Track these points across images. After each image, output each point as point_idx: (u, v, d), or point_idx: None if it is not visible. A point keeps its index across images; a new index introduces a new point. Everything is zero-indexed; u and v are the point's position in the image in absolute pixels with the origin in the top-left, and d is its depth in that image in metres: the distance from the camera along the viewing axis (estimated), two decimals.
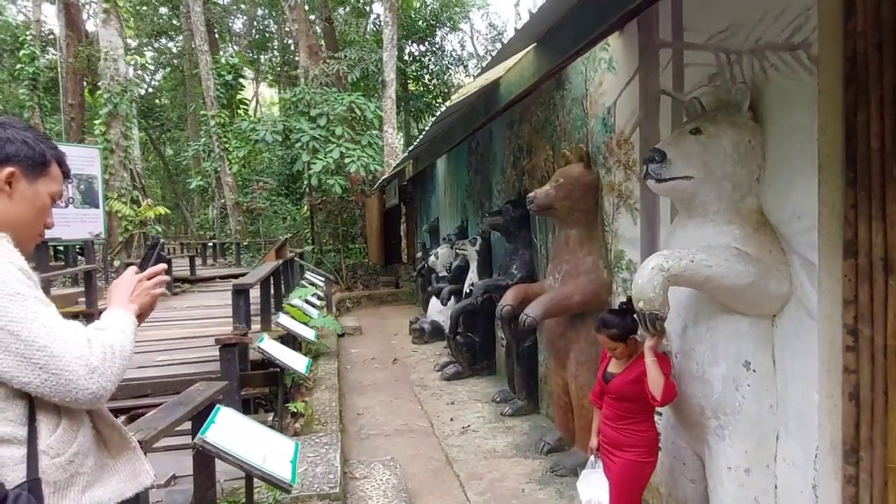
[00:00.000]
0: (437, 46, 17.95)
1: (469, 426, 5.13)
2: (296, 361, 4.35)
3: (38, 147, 1.36)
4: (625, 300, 2.82)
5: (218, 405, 2.57)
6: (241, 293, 4.36)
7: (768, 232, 2.49)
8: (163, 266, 1.50)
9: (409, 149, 6.94)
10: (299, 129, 11.49)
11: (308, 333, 5.49)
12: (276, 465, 2.33)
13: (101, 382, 1.20)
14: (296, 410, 4.89)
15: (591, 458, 2.89)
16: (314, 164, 11.05)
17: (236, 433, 2.45)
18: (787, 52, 2.38)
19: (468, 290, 6.79)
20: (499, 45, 23.27)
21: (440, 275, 8.67)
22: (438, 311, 8.65)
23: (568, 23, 3.05)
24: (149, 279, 1.44)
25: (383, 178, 12.09)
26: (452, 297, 7.45)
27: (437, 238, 9.66)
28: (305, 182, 14.08)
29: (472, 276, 6.78)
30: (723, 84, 2.77)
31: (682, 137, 2.60)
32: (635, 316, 2.49)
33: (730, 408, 2.54)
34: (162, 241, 1.72)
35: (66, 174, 1.44)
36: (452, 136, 6.13)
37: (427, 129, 5.78)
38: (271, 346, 4.18)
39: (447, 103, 4.89)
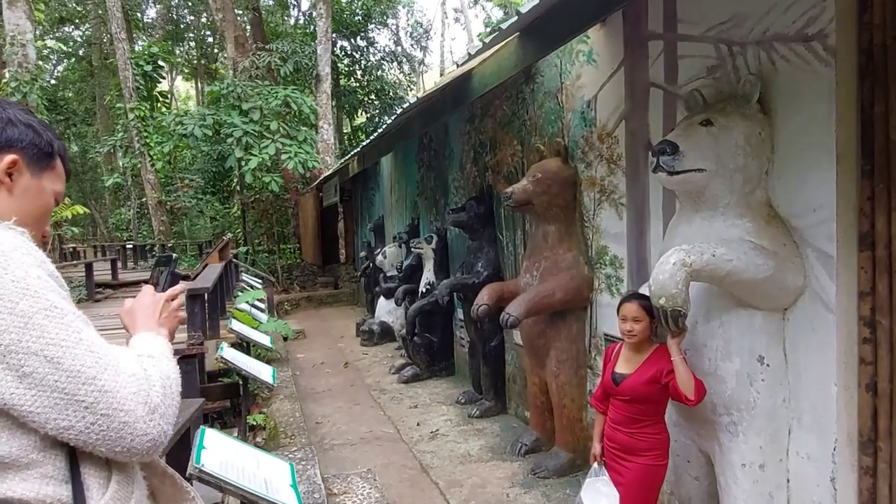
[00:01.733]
0: (369, 42, 17.60)
1: (438, 430, 4.96)
2: (260, 370, 4.03)
3: (46, 135, 1.09)
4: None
5: (203, 427, 2.28)
6: (196, 298, 3.97)
7: (780, 225, 2.47)
8: (184, 286, 1.26)
9: (363, 144, 6.68)
10: (231, 124, 10.91)
11: (263, 339, 5.15)
12: (280, 492, 2.08)
13: (162, 426, 0.94)
14: (255, 423, 4.56)
15: (595, 465, 2.78)
16: (248, 160, 10.51)
17: (228, 457, 2.17)
18: (799, 44, 2.36)
19: (424, 290, 6.61)
20: (428, 43, 23.17)
21: (389, 274, 8.43)
22: (388, 312, 8.41)
23: (561, 12, 2.93)
24: (170, 299, 1.20)
25: (324, 175, 11.68)
26: (407, 297, 7.25)
27: (383, 237, 9.41)
28: (236, 180, 13.44)
29: (429, 274, 6.61)
30: (724, 76, 2.74)
31: (692, 129, 2.54)
32: (657, 315, 2.40)
33: (744, 403, 2.51)
34: (175, 256, 1.47)
35: (68, 173, 1.17)
36: (409, 130, 5.93)
37: (389, 123, 5.56)
38: (232, 355, 3.85)
39: (412, 98, 4.70)
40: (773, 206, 2.51)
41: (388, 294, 8.38)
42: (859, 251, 2.27)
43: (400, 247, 8.46)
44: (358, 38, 17.65)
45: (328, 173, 10.93)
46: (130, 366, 0.95)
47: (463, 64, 3.70)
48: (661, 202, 3.22)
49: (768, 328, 2.48)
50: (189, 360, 3.49)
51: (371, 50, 17.83)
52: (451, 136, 6.26)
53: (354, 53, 17.61)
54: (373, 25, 17.76)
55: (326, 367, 7.34)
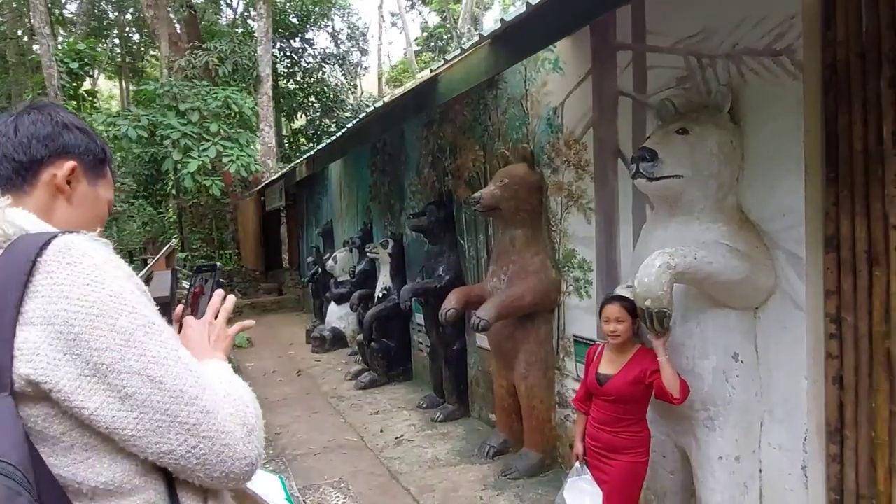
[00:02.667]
0: (308, 43, 17.31)
1: (402, 436, 4.93)
2: None
3: (98, 140, 1.04)
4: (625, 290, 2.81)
5: None
6: (163, 308, 3.77)
7: (751, 228, 2.60)
8: (232, 300, 1.19)
9: (319, 147, 6.56)
10: (167, 125, 10.47)
11: None
12: None
13: (259, 448, 0.90)
14: None
15: (577, 464, 2.85)
16: (187, 163, 10.11)
17: None
18: (768, 58, 2.50)
19: (380, 295, 6.56)
20: (366, 47, 23.00)
21: (340, 280, 8.32)
22: (339, 318, 8.30)
23: (538, 21, 2.99)
24: (216, 317, 1.14)
25: (269, 178, 11.39)
26: (361, 303, 7.17)
27: (332, 242, 9.27)
28: (171, 183, 12.92)
29: (385, 279, 6.56)
30: (694, 87, 2.87)
31: (669, 137, 2.64)
32: (639, 315, 2.48)
33: (720, 399, 2.63)
34: (220, 264, 1.33)
35: (114, 179, 1.12)
36: (367, 134, 5.87)
37: (349, 126, 5.49)
38: None
39: (379, 102, 4.67)
40: (745, 210, 2.65)
41: (340, 300, 8.28)
42: (825, 253, 2.43)
43: (351, 251, 8.35)
44: (296, 39, 17.34)
45: (275, 177, 10.67)
46: (222, 383, 0.90)
47: (438, 70, 3.70)
48: (630, 207, 3.33)
49: (741, 327, 2.62)
50: None
51: (310, 52, 17.56)
52: (408, 141, 6.25)
53: (293, 55, 17.28)
54: (310, 27, 17.49)
55: (279, 375, 7.16)
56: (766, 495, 2.63)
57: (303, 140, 18.01)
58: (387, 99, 4.42)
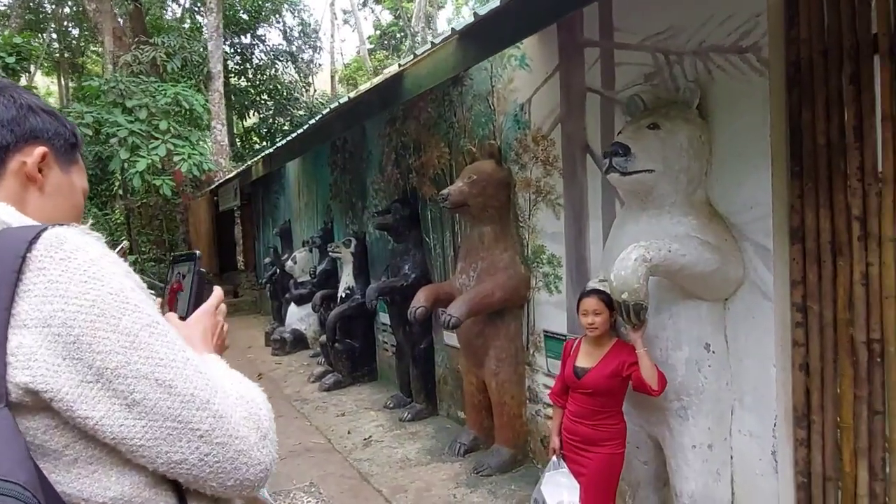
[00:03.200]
0: (259, 39, 16.94)
1: (371, 437, 4.88)
2: None
3: (68, 123, 0.95)
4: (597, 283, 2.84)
5: None
6: None
7: (720, 221, 2.67)
8: (219, 294, 1.10)
9: (276, 146, 6.40)
10: (114, 123, 10.07)
11: None
12: None
13: (273, 453, 0.83)
14: None
15: (554, 458, 2.86)
16: (136, 162, 9.75)
17: None
18: (734, 55, 2.57)
19: (343, 295, 6.47)
20: (317, 44, 22.66)
21: (300, 280, 8.17)
22: (300, 319, 8.15)
23: (508, 17, 2.99)
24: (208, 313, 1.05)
25: (225, 178, 11.09)
26: (324, 303, 7.06)
27: (291, 242, 9.10)
28: (118, 183, 12.44)
29: (348, 279, 6.47)
30: (662, 83, 2.92)
31: (641, 132, 2.68)
32: (618, 310, 2.51)
33: (693, 388, 2.69)
34: (198, 253, 1.18)
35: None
36: (328, 132, 5.76)
37: (311, 124, 5.37)
38: None
39: (344, 98, 4.59)
40: (713, 204, 2.71)
41: (300, 301, 8.14)
42: (791, 244, 2.51)
43: (311, 251, 8.23)
44: (247, 35, 16.95)
45: (230, 175, 10.39)
46: (233, 384, 0.85)
47: (406, 65, 3.66)
48: (599, 202, 3.37)
49: (712, 317, 2.68)
50: None
51: (261, 48, 17.19)
52: (370, 139, 6.18)
53: (244, 52, 16.88)
54: (261, 24, 17.13)
55: None
56: (737, 481, 2.70)
57: (255, 139, 17.62)
58: (353, 95, 4.35)
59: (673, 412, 2.75)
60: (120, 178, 11.33)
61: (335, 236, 7.34)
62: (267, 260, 9.84)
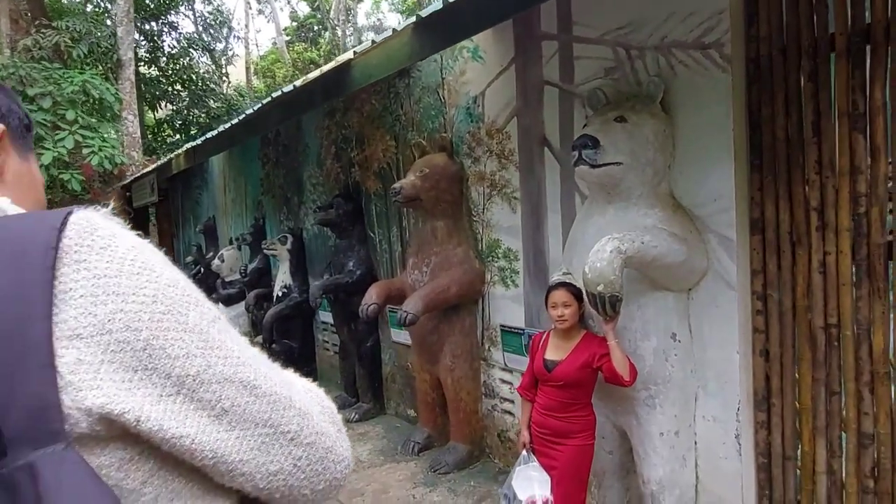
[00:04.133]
0: (171, 26, 16.00)
1: None
2: None
3: (18, 101, 0.80)
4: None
5: None
6: None
7: (684, 214, 2.73)
8: None
9: (205, 138, 6.01)
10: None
11: None
12: None
13: (349, 446, 0.74)
14: None
15: (524, 452, 2.84)
16: (40, 155, 8.94)
17: None
18: (697, 51, 2.63)
19: (280, 294, 6.21)
20: (230, 34, 21.74)
21: (228, 279, 7.79)
22: (229, 320, 7.70)
23: (469, 8, 2.92)
24: None
25: (137, 173, 10.38)
26: (257, 303, 6.76)
27: (216, 239, 8.65)
28: None
29: (284, 277, 6.21)
30: (622, 77, 2.95)
31: (609, 125, 2.70)
32: (591, 301, 2.51)
33: (661, 378, 2.74)
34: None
35: None
36: (264, 124, 5.47)
37: (245, 115, 5.07)
38: None
39: (288, 87, 4.38)
40: (676, 197, 2.77)
41: (229, 301, 7.76)
42: (751, 235, 2.61)
43: (240, 249, 7.86)
44: (157, 22, 15.97)
45: (147, 170, 9.73)
46: (297, 379, 0.74)
47: (357, 54, 3.52)
48: (558, 195, 3.38)
49: (678, 307, 2.74)
50: None
51: (174, 36, 16.24)
52: (306, 131, 5.96)
53: (156, 39, 15.89)
54: (172, 10, 16.20)
55: None
56: (701, 465, 2.78)
57: (168, 131, 16.65)
58: (298, 83, 4.14)
59: (641, 401, 2.79)
60: None
61: (267, 233, 7.04)
62: (189, 259, 9.32)
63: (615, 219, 2.76)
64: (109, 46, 11.68)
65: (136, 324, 0.58)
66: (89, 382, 0.55)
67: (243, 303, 7.81)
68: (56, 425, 0.53)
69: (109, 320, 0.57)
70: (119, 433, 0.57)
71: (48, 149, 9.15)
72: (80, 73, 9.91)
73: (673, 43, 2.71)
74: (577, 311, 2.68)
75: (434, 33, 3.22)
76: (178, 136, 16.25)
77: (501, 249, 3.79)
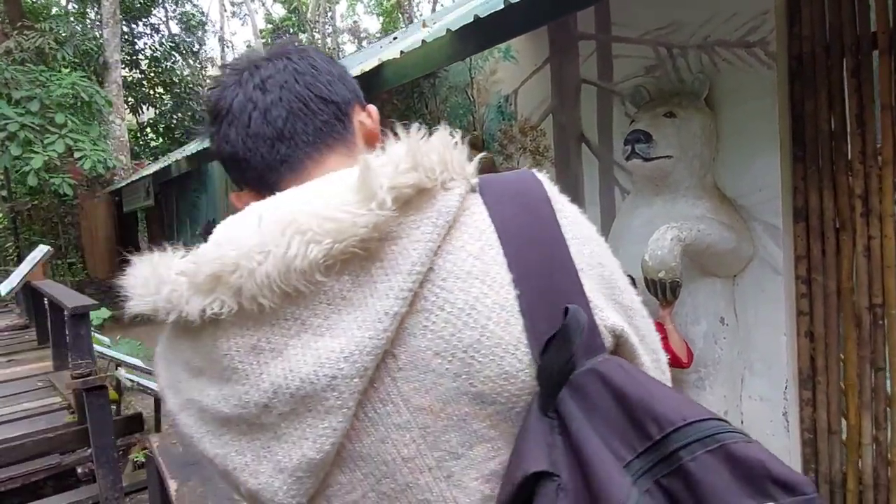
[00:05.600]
0: (154, 29, 15.82)
1: None
2: None
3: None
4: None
5: None
6: (81, 318, 3.19)
7: (729, 203, 2.87)
8: None
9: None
10: (0, 116, 9.04)
11: (136, 362, 4.40)
12: None
13: None
14: (143, 459, 3.92)
15: None
16: (30, 159, 8.81)
17: None
18: (741, 49, 2.78)
19: None
20: (204, 36, 21.59)
21: None
22: None
23: (516, 10, 3.02)
24: None
25: (128, 177, 10.26)
26: None
27: None
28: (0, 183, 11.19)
29: None
30: (664, 75, 3.09)
31: (659, 120, 2.83)
32: (651, 288, 2.63)
33: (710, 360, 2.88)
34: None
35: None
36: None
37: None
38: (134, 379, 3.27)
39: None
40: (720, 187, 2.91)
41: None
42: (795, 223, 2.76)
43: None
44: (138, 24, 15.78)
45: (146, 173, 9.63)
46: None
47: (399, 56, 3.58)
48: (596, 189, 3.51)
49: (724, 292, 2.88)
50: (98, 393, 2.89)
51: (155, 39, 16.07)
52: None
53: (136, 41, 15.69)
54: (156, 9, 16.03)
55: None
56: None
57: (151, 134, 16.44)
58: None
59: (691, 384, 2.93)
60: (14, 175, 10.17)
61: None
62: None
63: (662, 210, 2.89)
64: (95, 48, 11.52)
65: (601, 259, 0.66)
66: (601, 306, 0.63)
67: None
68: (598, 340, 0.61)
69: (590, 256, 0.65)
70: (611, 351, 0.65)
71: (37, 153, 9.02)
72: (68, 76, 9.77)
73: (716, 42, 2.85)
74: None
75: (474, 37, 3.30)
76: (160, 141, 16.06)
77: None
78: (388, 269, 0.53)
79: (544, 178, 0.67)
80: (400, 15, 28.31)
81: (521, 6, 2.84)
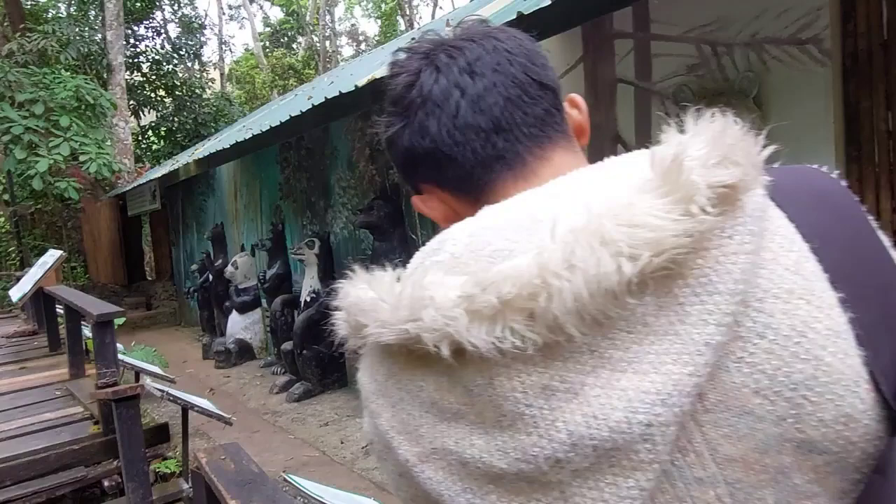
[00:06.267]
0: (156, 31, 15.71)
1: (368, 445, 4.65)
2: (198, 399, 3.37)
3: None
4: None
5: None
6: (107, 326, 3.08)
7: None
8: None
9: (243, 141, 5.86)
10: (4, 119, 8.92)
11: (155, 369, 4.30)
12: None
13: None
14: (166, 470, 3.82)
15: None
16: (35, 162, 8.69)
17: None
18: (793, 46, 2.70)
19: (308, 299, 6.13)
20: (203, 39, 21.50)
21: (241, 286, 7.66)
22: (244, 328, 7.64)
23: (559, 6, 2.94)
24: None
25: (132, 181, 10.14)
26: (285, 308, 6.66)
27: (224, 246, 8.49)
28: (1, 188, 11.05)
29: (312, 282, 6.14)
30: (708, 73, 3.01)
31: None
32: None
33: None
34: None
35: None
36: (298, 127, 5.39)
37: (294, 116, 4.96)
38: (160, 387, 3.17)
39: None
40: None
41: (244, 308, 7.65)
42: None
43: (254, 255, 7.75)
44: (139, 26, 15.67)
45: (153, 176, 9.51)
46: None
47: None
48: None
49: None
50: (129, 403, 2.78)
51: (157, 41, 15.96)
52: (334, 134, 5.91)
53: (138, 43, 15.57)
54: (159, 10, 15.93)
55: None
56: None
57: (153, 138, 16.31)
58: (361, 83, 4.07)
59: None
60: (9, 180, 10.05)
61: (287, 238, 6.96)
62: (194, 266, 9.13)
63: None
64: (99, 50, 11.41)
65: None
66: None
67: (258, 310, 7.72)
68: None
69: None
70: None
71: (43, 156, 8.92)
72: (73, 78, 9.67)
73: (766, 39, 2.77)
74: None
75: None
76: (162, 144, 15.93)
77: None
78: (697, 288, 0.43)
79: (837, 174, 0.57)
80: (400, 18, 28.33)
81: (566, 1, 2.77)
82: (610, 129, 3.50)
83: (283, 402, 5.87)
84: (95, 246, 12.28)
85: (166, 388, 3.07)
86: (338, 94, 4.08)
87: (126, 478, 2.75)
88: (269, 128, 5.10)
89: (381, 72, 4.00)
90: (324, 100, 4.24)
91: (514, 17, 2.84)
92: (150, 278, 12.23)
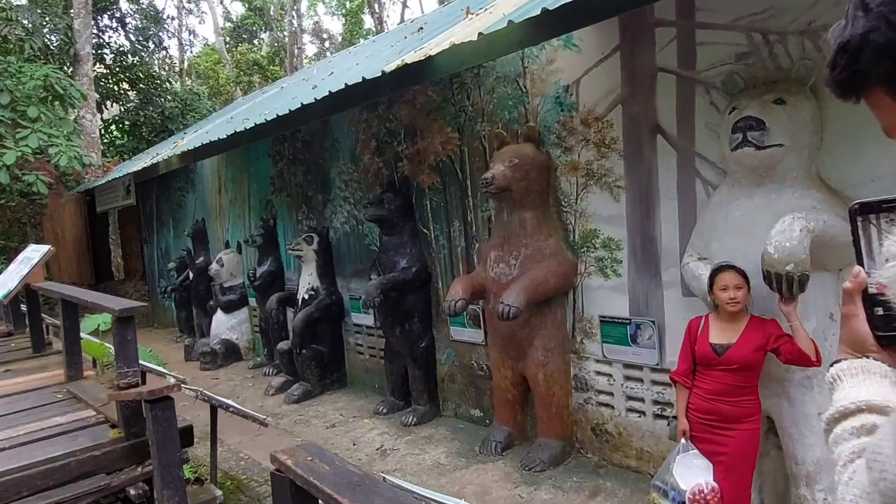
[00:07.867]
0: (121, 22, 15.07)
1: (382, 446, 4.49)
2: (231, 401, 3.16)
3: None
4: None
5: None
6: (128, 322, 2.81)
7: (834, 194, 2.77)
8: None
9: (233, 133, 5.55)
10: None
11: (161, 370, 4.04)
12: None
13: None
14: (189, 477, 3.58)
15: (683, 441, 2.78)
16: (2, 154, 8.18)
17: None
18: None
19: (306, 296, 5.91)
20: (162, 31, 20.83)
21: (227, 285, 7.36)
22: (230, 328, 7.34)
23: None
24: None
25: (94, 175, 9.65)
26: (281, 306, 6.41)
27: (206, 243, 8.15)
28: None
29: (310, 279, 5.91)
30: (758, 62, 2.98)
31: (768, 108, 2.71)
32: (775, 282, 2.49)
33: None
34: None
35: None
36: (298, 120, 5.14)
37: (299, 107, 4.70)
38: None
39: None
40: (824, 178, 2.81)
41: (230, 307, 7.36)
42: None
43: (239, 252, 7.46)
44: (104, 16, 15.02)
45: (131, 171, 9.05)
46: None
47: (459, 42, 3.34)
48: (674, 182, 3.37)
49: (833, 287, 2.77)
50: (164, 404, 2.57)
51: (121, 32, 15.31)
52: (335, 126, 5.71)
53: (101, 34, 14.92)
54: (125, 3, 15.29)
55: (180, 400, 6.08)
56: None
57: (116, 132, 15.64)
58: (387, 69, 3.88)
59: (796, 383, 2.80)
60: None
61: (280, 233, 6.71)
62: (171, 265, 8.74)
63: (766, 201, 2.77)
64: (66, 39, 10.86)
65: None
66: None
67: (244, 309, 7.44)
68: None
69: None
70: None
71: (9, 148, 8.41)
72: (41, 67, 9.16)
73: (822, 27, 2.75)
74: (747, 294, 2.66)
75: (544, 26, 3.10)
76: (126, 139, 15.30)
77: (599, 239, 3.74)
78: None
79: None
80: (370, 16, 28.02)
81: None
82: (649, 120, 3.44)
83: (283, 404, 5.64)
84: (59, 244, 11.66)
85: (199, 388, 2.85)
86: (361, 80, 3.90)
87: (162, 485, 2.54)
88: (275, 116, 4.86)
89: (411, 57, 3.84)
90: (344, 86, 4.05)
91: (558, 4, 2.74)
92: (118, 277, 11.68)
